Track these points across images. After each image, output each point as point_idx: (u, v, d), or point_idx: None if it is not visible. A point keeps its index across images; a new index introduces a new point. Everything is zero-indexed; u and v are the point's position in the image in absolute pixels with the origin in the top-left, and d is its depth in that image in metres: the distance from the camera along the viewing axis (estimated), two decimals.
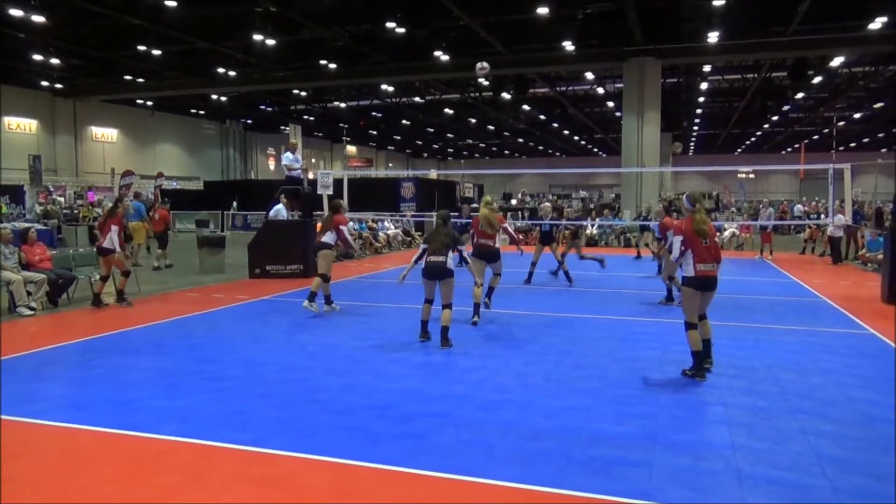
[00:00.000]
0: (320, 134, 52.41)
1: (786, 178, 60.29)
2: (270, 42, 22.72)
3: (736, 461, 4.17)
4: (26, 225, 15.01)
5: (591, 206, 33.74)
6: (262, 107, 41.26)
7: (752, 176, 55.50)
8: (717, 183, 39.10)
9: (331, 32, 22.85)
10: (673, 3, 20.08)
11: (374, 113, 42.82)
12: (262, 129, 49.13)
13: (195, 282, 12.91)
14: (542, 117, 41.89)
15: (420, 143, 61.28)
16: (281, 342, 7.69)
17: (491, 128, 48.70)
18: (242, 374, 6.21)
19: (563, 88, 33.61)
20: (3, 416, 4.92)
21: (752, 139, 53.69)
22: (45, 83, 32.26)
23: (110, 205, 14.09)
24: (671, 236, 6.38)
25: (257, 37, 22.20)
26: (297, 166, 14.69)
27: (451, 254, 7.38)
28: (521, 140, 56.39)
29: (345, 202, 11.75)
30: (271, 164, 50.10)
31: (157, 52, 25.16)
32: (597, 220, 24.12)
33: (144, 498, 3.71)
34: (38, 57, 26.31)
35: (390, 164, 65.85)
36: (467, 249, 8.36)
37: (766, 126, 45.47)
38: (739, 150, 60.44)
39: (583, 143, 57.29)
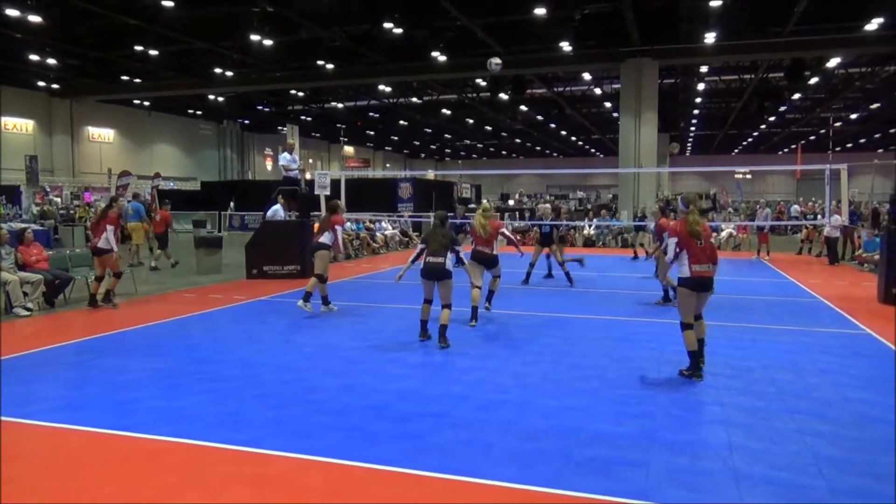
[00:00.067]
0: (318, 134, 52.39)
1: (783, 178, 60.44)
2: (268, 42, 22.70)
3: (733, 461, 4.17)
4: (23, 225, 14.97)
5: (589, 206, 33.75)
6: (260, 107, 41.24)
7: (749, 176, 55.60)
8: (715, 183, 39.19)
9: (328, 33, 22.84)
10: (670, 3, 20.11)
11: (371, 113, 42.82)
12: (260, 130, 49.10)
13: (192, 282, 12.89)
14: (540, 118, 41.93)
15: (417, 143, 61.30)
16: (278, 343, 7.68)
17: (488, 128, 48.74)
18: (239, 374, 6.20)
19: (561, 89, 33.65)
20: (1, 418, 4.90)
21: (749, 140, 53.82)
22: (41, 83, 32.21)
23: (103, 205, 14.07)
24: (667, 237, 6.40)
25: (254, 37, 22.18)
26: (295, 167, 14.67)
27: (449, 255, 7.40)
28: (518, 140, 56.44)
29: (342, 203, 11.74)
30: (268, 164, 50.06)
31: (153, 53, 25.13)
32: (594, 220, 24.14)
33: (141, 498, 3.70)
34: (34, 57, 26.27)
35: (388, 165, 65.86)
36: (465, 250, 8.37)
37: (763, 127, 45.58)
38: (736, 150, 60.60)
39: (580, 143, 57.37)
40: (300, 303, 9.04)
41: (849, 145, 54.82)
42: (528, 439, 4.53)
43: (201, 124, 45.28)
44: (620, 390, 5.72)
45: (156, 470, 4.05)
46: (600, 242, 23.07)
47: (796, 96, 34.00)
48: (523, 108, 38.20)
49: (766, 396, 5.56)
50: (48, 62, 27.15)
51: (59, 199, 29.55)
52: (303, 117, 43.27)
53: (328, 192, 14.18)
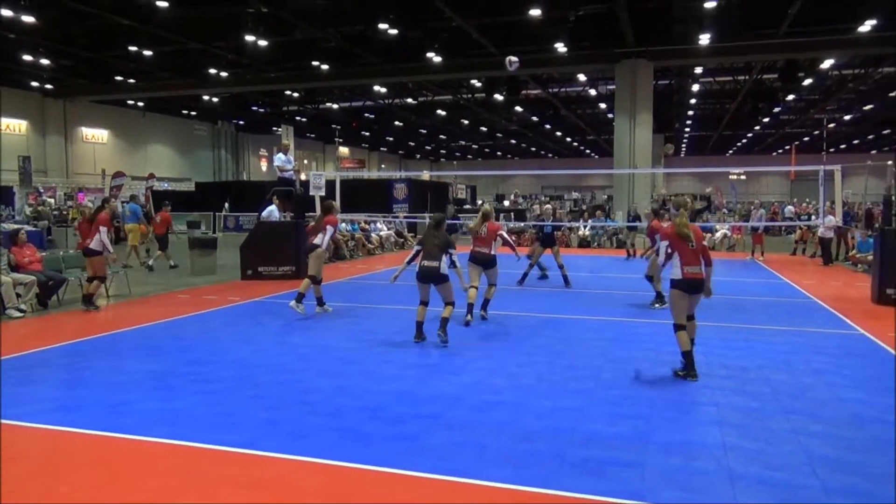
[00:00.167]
0: (312, 135, 52.35)
1: (777, 179, 60.67)
2: (262, 43, 22.68)
3: (728, 461, 4.18)
4: (16, 226, 14.90)
5: (584, 207, 33.83)
6: (254, 108, 41.17)
7: (743, 177, 55.80)
8: (709, 184, 39.29)
9: (323, 33, 22.82)
10: (664, 5, 20.17)
11: (366, 114, 42.81)
12: (254, 131, 49.02)
13: (187, 283, 12.85)
14: (535, 119, 42.00)
15: (413, 144, 61.30)
16: (273, 344, 7.66)
17: (484, 129, 48.78)
18: (234, 375, 6.18)
19: (556, 90, 33.70)
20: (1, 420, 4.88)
21: (744, 141, 54.02)
22: (34, 83, 32.09)
23: (90, 205, 14.00)
24: (659, 240, 6.49)
25: (249, 37, 22.16)
26: (290, 167, 14.64)
27: (444, 257, 7.42)
28: (513, 141, 56.51)
29: (337, 203, 11.68)
30: (263, 165, 49.99)
31: (148, 53, 25.06)
32: (589, 221, 24.18)
33: (135, 500, 3.68)
34: (27, 57, 26.17)
35: (383, 166, 65.82)
36: (465, 250, 8.40)
37: (758, 128, 45.76)
38: (731, 151, 60.79)
39: (575, 144, 57.46)
40: (292, 304, 9.02)
41: (842, 146, 55.08)
42: (522, 440, 4.53)
43: (196, 125, 45.17)
44: (615, 391, 5.73)
45: (150, 472, 4.03)
46: (595, 243, 23.11)
47: (790, 97, 34.15)
48: (518, 108, 38.25)
49: (760, 397, 5.57)
50: (42, 62, 27.05)
51: (52, 200, 29.46)
52: (298, 118, 43.22)
53: (323, 193, 14.15)
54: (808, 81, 29.43)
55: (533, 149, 61.90)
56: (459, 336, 7.81)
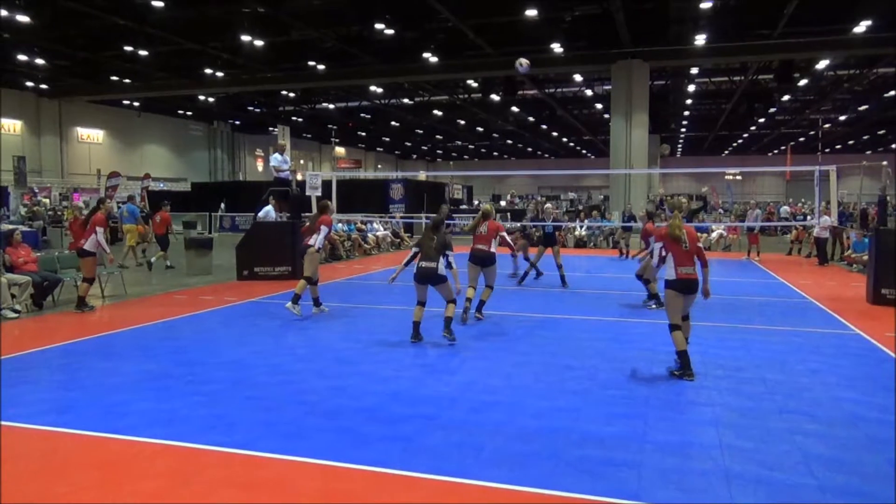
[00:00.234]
0: (309, 135, 52.31)
1: (773, 179, 60.84)
2: (258, 43, 22.66)
3: (724, 461, 4.18)
4: (11, 227, 14.85)
5: (580, 207, 33.87)
6: (250, 108, 41.11)
7: (739, 178, 55.97)
8: (705, 185, 39.41)
9: (319, 34, 22.81)
10: (660, 6, 20.21)
11: (362, 114, 42.78)
12: (250, 131, 48.95)
13: (182, 284, 12.82)
14: (531, 119, 42.04)
15: (409, 144, 61.29)
16: (269, 344, 7.64)
17: (480, 129, 48.81)
18: (230, 376, 6.16)
19: (552, 90, 33.73)
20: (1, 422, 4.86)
21: (740, 141, 54.17)
22: (29, 83, 31.99)
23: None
24: (652, 242, 6.60)
25: (245, 38, 22.13)
26: (286, 167, 14.63)
27: (441, 258, 7.48)
28: (510, 142, 56.56)
29: (332, 203, 11.66)
30: (259, 165, 49.93)
31: (143, 53, 25.00)
32: (585, 221, 24.21)
33: (131, 502, 3.67)
34: (22, 57, 26.08)
35: (379, 166, 65.81)
36: (460, 250, 8.40)
37: (753, 128, 45.89)
38: (727, 151, 60.95)
39: (571, 144, 57.54)
40: (288, 305, 8.99)
41: (838, 147, 55.28)
42: (519, 440, 4.53)
43: (191, 125, 45.09)
44: (611, 391, 5.74)
45: (146, 473, 4.02)
46: (591, 243, 23.14)
47: (786, 98, 34.26)
48: (515, 109, 38.29)
49: (756, 396, 5.59)
50: (37, 62, 26.97)
51: (47, 201, 29.36)
52: (294, 118, 43.17)
53: (319, 193, 14.13)
54: (803, 82, 29.53)
55: (529, 149, 61.96)
56: (456, 336, 7.80)
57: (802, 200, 41.43)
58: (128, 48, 24.41)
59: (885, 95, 32.50)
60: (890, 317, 9.23)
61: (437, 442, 4.51)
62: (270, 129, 44.97)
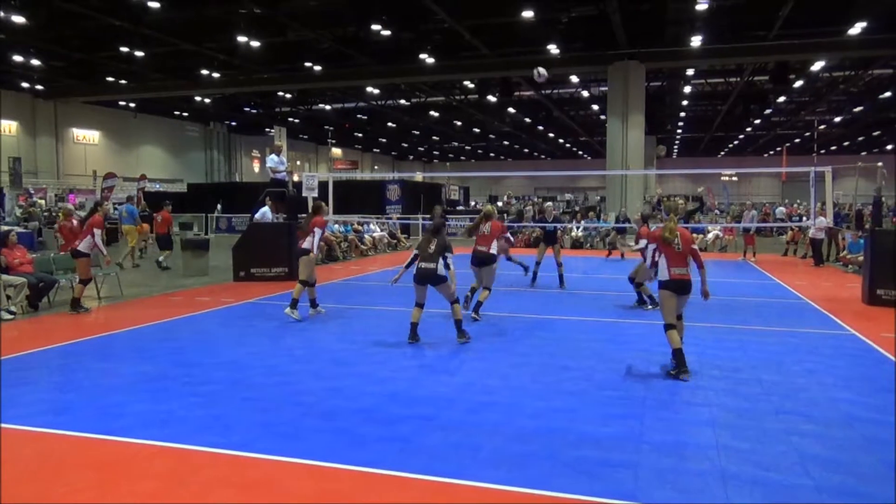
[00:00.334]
0: (305, 136, 52.25)
1: (769, 180, 61.00)
2: (255, 44, 22.62)
3: (720, 461, 4.19)
4: (6, 228, 14.80)
5: (576, 208, 33.92)
6: (247, 109, 41.05)
7: (735, 179, 56.06)
8: (701, 185, 39.51)
9: (315, 35, 22.79)
10: (657, 7, 20.24)
11: (359, 115, 42.75)
12: (247, 132, 48.88)
13: (179, 285, 12.79)
14: (528, 120, 42.06)
15: (406, 145, 61.26)
16: (266, 345, 7.63)
17: (477, 130, 48.81)
18: (227, 377, 6.15)
19: (549, 91, 33.75)
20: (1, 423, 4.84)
21: (736, 142, 54.29)
22: (25, 84, 31.88)
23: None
24: (642, 243, 6.77)
25: (241, 38, 22.10)
26: (282, 168, 14.61)
27: (441, 260, 7.54)
28: (506, 143, 56.57)
29: (325, 204, 11.51)
30: (256, 166, 49.85)
31: (139, 54, 24.93)
32: (582, 222, 24.25)
33: (127, 503, 3.67)
34: (18, 58, 25.99)
35: (376, 167, 65.79)
36: (460, 251, 8.47)
37: (749, 129, 45.99)
38: (723, 153, 61.09)
39: (568, 145, 57.59)
40: (287, 310, 8.98)
41: (833, 148, 55.43)
42: (516, 441, 4.53)
43: (188, 126, 45.01)
44: (608, 391, 5.74)
45: (141, 475, 4.01)
46: (588, 244, 23.19)
47: (781, 99, 34.34)
48: (511, 110, 38.30)
49: (753, 397, 5.60)
50: (32, 63, 26.87)
51: (43, 202, 29.28)
52: (290, 119, 43.12)
53: (316, 195, 14.11)
54: (798, 83, 29.60)
55: (526, 150, 62.00)
56: (453, 337, 7.81)
57: (798, 201, 41.54)
58: (124, 49, 24.34)
59: (880, 97, 32.60)
60: (885, 317, 9.26)
61: (434, 442, 4.51)
62: (267, 130, 44.92)
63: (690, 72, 29.14)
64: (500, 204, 36.88)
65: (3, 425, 4.81)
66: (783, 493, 3.77)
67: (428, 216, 19.70)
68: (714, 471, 4.06)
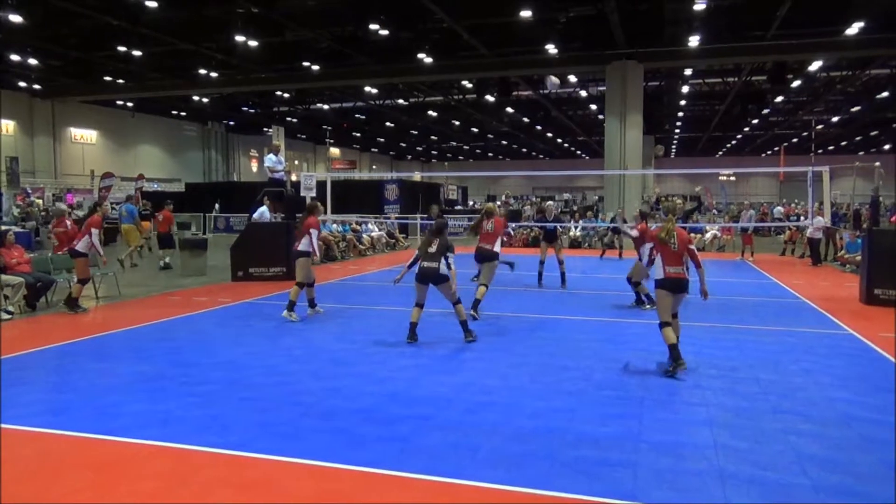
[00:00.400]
0: (303, 136, 52.18)
1: (766, 180, 61.06)
2: (253, 43, 22.56)
3: (718, 461, 4.20)
4: (4, 227, 14.77)
5: (575, 208, 33.93)
6: (245, 108, 40.97)
7: (733, 178, 56.08)
8: (699, 185, 39.56)
9: (313, 34, 22.75)
10: (655, 7, 20.25)
11: (357, 115, 42.70)
12: (245, 131, 48.79)
13: (177, 285, 12.78)
14: (526, 120, 42.04)
15: (404, 145, 61.22)
16: (264, 345, 7.62)
17: (475, 130, 48.78)
18: (225, 377, 6.15)
19: (547, 91, 33.72)
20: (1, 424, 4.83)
21: (734, 142, 54.32)
22: (22, 84, 31.78)
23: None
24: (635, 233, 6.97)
25: (239, 38, 22.03)
26: (280, 168, 14.60)
27: (443, 259, 7.57)
28: (504, 142, 56.55)
29: (320, 205, 11.42)
30: (254, 165, 49.79)
31: (137, 53, 24.86)
32: (580, 221, 24.27)
33: (127, 503, 3.67)
34: (15, 57, 25.90)
35: (374, 167, 65.73)
36: (461, 251, 8.50)
37: (747, 129, 46.02)
38: (721, 152, 61.10)
39: (566, 145, 57.58)
40: (285, 313, 8.97)
41: (831, 148, 55.50)
42: (515, 441, 4.53)
43: (185, 125, 44.92)
44: (607, 391, 5.75)
45: (139, 475, 4.01)
46: (586, 244, 23.20)
47: (779, 99, 34.36)
48: (509, 109, 38.27)
49: (750, 397, 5.61)
50: (30, 62, 26.79)
51: (40, 201, 29.22)
52: (288, 119, 43.06)
53: (314, 194, 14.11)
54: (796, 83, 29.62)
55: (524, 150, 61.97)
56: (452, 337, 7.82)
57: (796, 201, 41.58)
58: (121, 48, 24.27)
59: (878, 97, 32.62)
60: (883, 317, 9.29)
61: (433, 442, 4.51)
62: (265, 129, 44.84)
63: (688, 71, 29.15)
64: (498, 203, 36.91)
65: (3, 426, 4.80)
66: (781, 493, 3.78)
67: (426, 216, 19.73)
68: (712, 470, 4.07)
